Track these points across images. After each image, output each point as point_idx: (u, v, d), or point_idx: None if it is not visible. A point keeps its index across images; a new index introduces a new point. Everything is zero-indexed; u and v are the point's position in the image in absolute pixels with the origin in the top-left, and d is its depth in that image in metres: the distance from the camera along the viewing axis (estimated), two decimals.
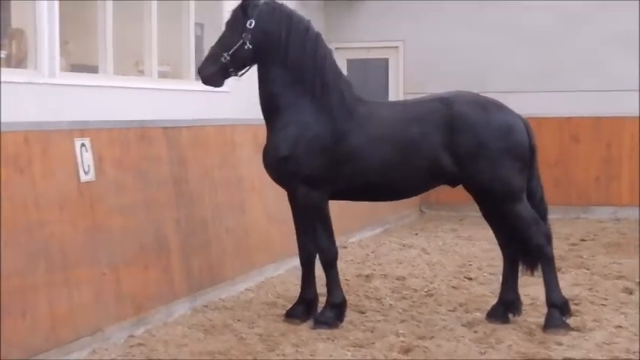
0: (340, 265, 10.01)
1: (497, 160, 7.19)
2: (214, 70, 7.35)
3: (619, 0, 15.34)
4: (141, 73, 10.84)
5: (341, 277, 9.36)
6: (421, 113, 7.33)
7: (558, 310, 7.28)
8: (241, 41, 7.25)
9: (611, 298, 8.47)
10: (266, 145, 7.47)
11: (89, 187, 6.69)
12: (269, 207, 9.54)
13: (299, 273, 9.55)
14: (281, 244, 9.60)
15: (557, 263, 7.92)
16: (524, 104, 11.75)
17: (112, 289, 6.79)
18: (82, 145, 6.66)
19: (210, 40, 12.37)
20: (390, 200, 7.92)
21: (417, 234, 12.90)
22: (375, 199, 7.87)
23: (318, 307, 7.68)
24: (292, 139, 7.20)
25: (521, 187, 7.32)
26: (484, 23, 15.87)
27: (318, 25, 15.92)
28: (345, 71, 16.57)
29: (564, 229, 12.94)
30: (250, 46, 7.25)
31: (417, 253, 11.17)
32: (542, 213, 7.48)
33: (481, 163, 7.18)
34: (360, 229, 12.26)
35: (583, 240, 12.24)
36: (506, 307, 7.62)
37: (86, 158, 6.67)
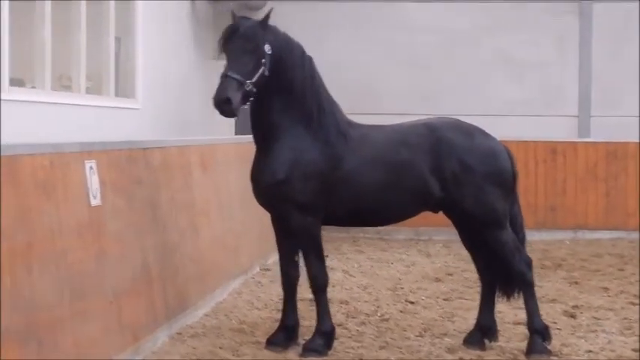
0: (274, 287, 10.06)
1: (482, 186, 7.35)
2: (239, 100, 6.87)
3: (503, 24, 15.92)
4: (66, 88, 10.40)
5: (282, 298, 9.43)
6: (409, 137, 7.44)
7: (540, 336, 7.50)
8: (262, 68, 6.96)
9: (560, 322, 8.78)
10: (257, 169, 7.34)
11: (97, 212, 6.41)
12: (216, 230, 9.44)
13: (244, 297, 9.55)
14: (225, 267, 9.53)
15: None
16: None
17: (116, 318, 6.52)
18: (91, 167, 6.37)
19: (126, 54, 12.19)
20: (380, 225, 7.98)
21: (327, 255, 12.90)
22: (365, 224, 7.94)
23: (299, 333, 7.63)
24: (289, 163, 7.12)
25: (504, 214, 7.51)
26: (367, 43, 16.10)
27: (206, 39, 15.93)
28: None
29: None
30: (267, 74, 7.00)
31: (342, 275, 11.22)
32: (521, 239, 7.70)
33: (467, 188, 7.33)
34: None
35: None
36: (483, 333, 7.78)
37: (94, 182, 6.38)
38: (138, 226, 7.18)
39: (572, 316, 9.04)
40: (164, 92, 13.33)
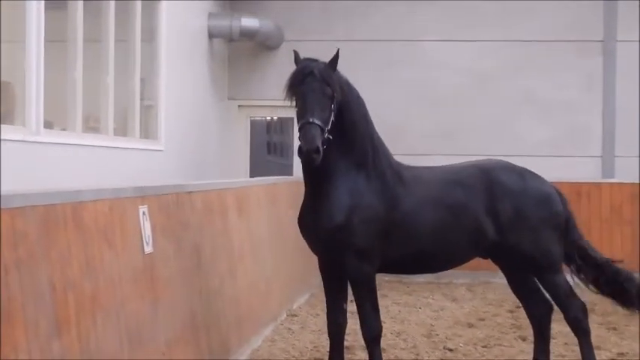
0: (306, 334, 9.82)
1: (537, 229, 7.22)
2: (321, 145, 6.49)
3: (531, 64, 15.79)
4: (94, 129, 10.20)
5: (316, 346, 9.18)
6: (462, 178, 7.27)
7: None
8: (332, 113, 6.63)
9: None
10: (311, 214, 6.99)
11: (151, 259, 6.17)
12: (250, 275, 9.21)
13: (278, 344, 9.28)
14: (259, 314, 9.30)
15: None
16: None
17: None
18: (144, 213, 6.14)
19: (150, 95, 12.01)
20: (434, 272, 7.72)
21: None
22: (420, 269, 7.64)
23: None
24: (348, 207, 6.83)
25: (559, 257, 7.35)
26: (393, 83, 15.97)
27: (222, 79, 15.78)
28: (248, 131, 16.45)
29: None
30: (334, 119, 6.67)
31: None
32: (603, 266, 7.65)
33: (522, 232, 7.19)
34: (298, 292, 11.97)
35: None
36: None
37: (147, 228, 6.15)
38: (184, 271, 6.94)
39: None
40: (184, 133, 13.14)
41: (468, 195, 7.16)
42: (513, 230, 7.17)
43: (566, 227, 7.44)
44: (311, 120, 6.46)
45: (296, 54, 6.87)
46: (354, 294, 7.08)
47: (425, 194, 7.09)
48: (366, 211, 6.85)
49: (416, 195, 7.05)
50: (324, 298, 7.39)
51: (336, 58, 6.79)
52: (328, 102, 6.60)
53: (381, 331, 7.17)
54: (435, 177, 7.31)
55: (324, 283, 7.31)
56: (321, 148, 6.40)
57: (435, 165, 7.68)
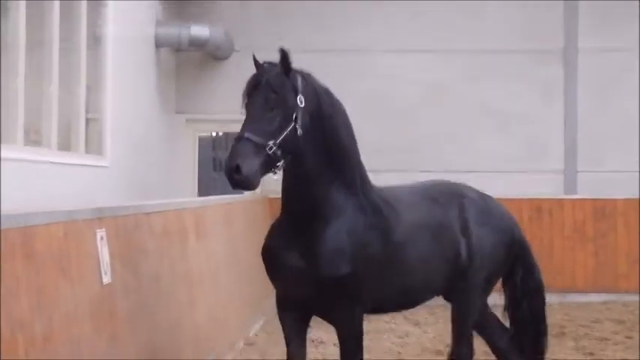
0: None
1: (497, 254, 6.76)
2: (258, 167, 5.38)
3: (488, 74, 15.27)
4: (36, 143, 9.38)
5: None
6: (434, 195, 6.61)
7: None
8: (292, 124, 5.57)
9: None
10: (291, 250, 5.80)
11: (110, 291, 5.42)
12: (209, 302, 8.50)
13: None
14: (218, 342, 8.60)
15: None
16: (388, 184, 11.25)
17: None
18: (102, 238, 5.39)
19: (92, 107, 11.19)
20: (413, 307, 6.91)
21: (310, 326, 11.99)
22: (408, 305, 6.82)
23: None
24: (351, 253, 5.74)
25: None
26: (344, 94, 15.30)
27: (169, 92, 15.00)
28: (196, 146, 15.68)
29: None
30: (301, 132, 5.59)
31: (334, 349, 10.15)
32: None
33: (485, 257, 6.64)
34: (253, 318, 11.25)
35: None
36: None
37: (105, 255, 5.39)
38: (145, 304, 6.19)
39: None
40: (130, 148, 12.35)
41: (445, 213, 6.51)
42: (478, 254, 6.60)
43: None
44: (245, 135, 5.41)
45: (255, 60, 5.82)
46: (341, 349, 6.03)
47: (410, 220, 6.24)
48: (370, 255, 5.86)
49: (404, 224, 6.16)
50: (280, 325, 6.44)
51: (284, 59, 5.68)
52: (278, 114, 5.54)
53: None
54: (414, 198, 6.53)
55: (284, 319, 6.15)
56: (244, 167, 5.30)
57: (391, 184, 6.83)
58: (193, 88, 15.38)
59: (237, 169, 5.29)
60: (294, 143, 5.55)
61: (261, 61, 5.81)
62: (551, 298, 13.49)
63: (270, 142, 5.41)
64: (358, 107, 15.26)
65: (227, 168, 5.36)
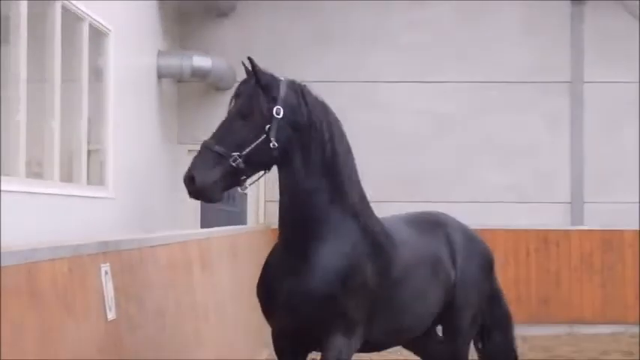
0: None
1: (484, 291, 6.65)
2: (217, 178, 5.18)
3: (494, 106, 15.15)
4: (38, 175, 9.26)
5: None
6: (425, 228, 6.42)
7: None
8: (264, 136, 5.30)
9: None
10: (286, 274, 5.59)
11: (114, 327, 5.27)
12: (215, 336, 8.34)
13: None
14: None
15: None
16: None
17: None
18: (106, 273, 5.24)
19: (95, 138, 11.08)
20: (402, 343, 6.71)
21: None
22: (397, 343, 6.60)
23: None
24: (342, 273, 5.50)
25: None
26: (348, 126, 15.18)
27: (171, 122, 14.90)
28: None
29: None
30: (276, 144, 5.36)
31: None
32: None
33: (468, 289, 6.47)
34: (257, 353, 11.09)
35: None
36: None
37: (109, 290, 5.24)
38: (151, 340, 6.04)
39: None
40: (133, 180, 12.23)
41: (436, 242, 6.36)
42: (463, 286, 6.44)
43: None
44: (206, 145, 5.31)
45: (245, 66, 5.64)
46: None
47: (409, 253, 6.04)
48: (361, 277, 5.60)
49: (403, 257, 5.94)
50: None
51: (253, 68, 5.50)
52: (247, 125, 5.31)
53: None
54: (405, 228, 6.30)
55: (281, 356, 5.92)
56: (198, 178, 5.15)
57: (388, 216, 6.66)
58: (195, 119, 15.28)
59: (192, 179, 5.18)
60: (265, 156, 5.34)
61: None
62: (559, 330, 13.55)
63: (235, 154, 5.21)
64: (362, 138, 15.21)
65: (184, 178, 5.25)
